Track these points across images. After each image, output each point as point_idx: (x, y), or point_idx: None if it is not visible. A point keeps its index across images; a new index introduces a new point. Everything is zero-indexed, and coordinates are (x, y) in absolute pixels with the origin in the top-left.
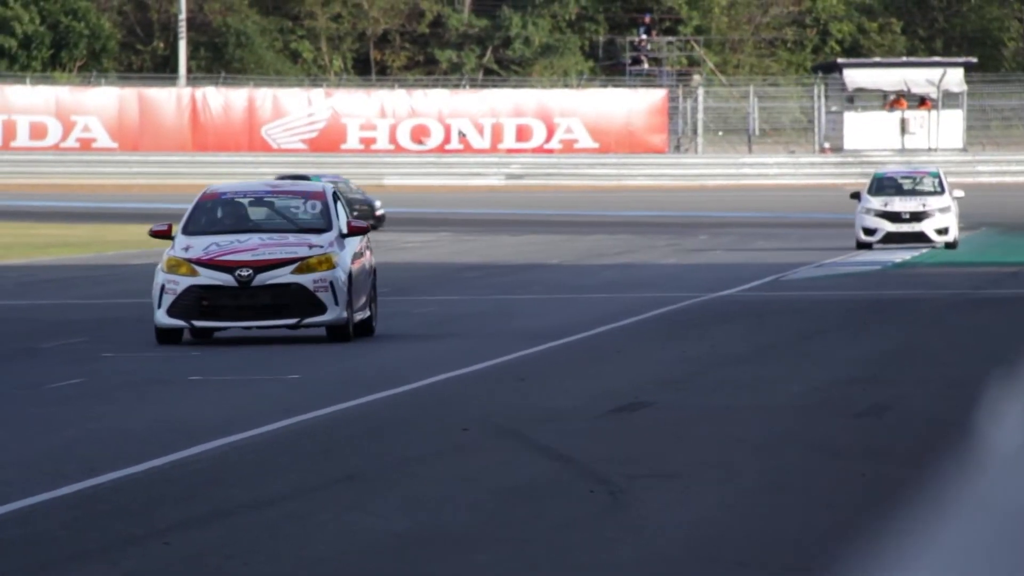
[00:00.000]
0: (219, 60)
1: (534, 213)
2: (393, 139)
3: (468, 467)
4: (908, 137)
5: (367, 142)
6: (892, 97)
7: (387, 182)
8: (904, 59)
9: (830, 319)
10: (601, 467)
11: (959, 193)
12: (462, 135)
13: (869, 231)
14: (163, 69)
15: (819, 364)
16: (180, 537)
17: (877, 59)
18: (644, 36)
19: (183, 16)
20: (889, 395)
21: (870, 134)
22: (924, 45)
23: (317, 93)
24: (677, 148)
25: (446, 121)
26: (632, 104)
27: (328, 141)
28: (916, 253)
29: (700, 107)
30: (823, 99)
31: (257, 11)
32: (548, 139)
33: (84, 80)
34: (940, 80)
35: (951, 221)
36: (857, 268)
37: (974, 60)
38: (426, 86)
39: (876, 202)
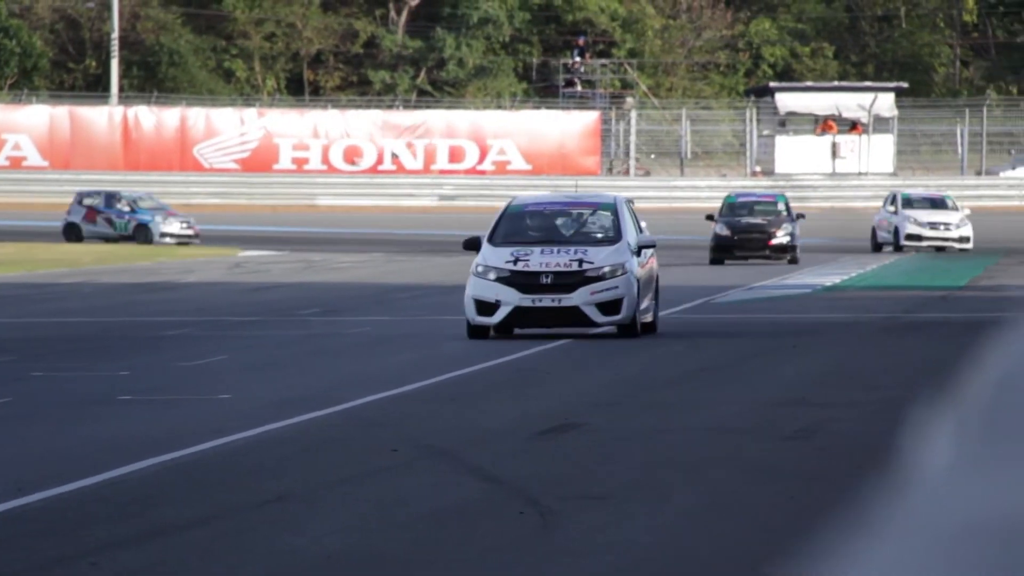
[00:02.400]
0: (152, 79)
1: (467, 234)
2: (326, 159)
3: (399, 488)
4: (839, 161)
5: (300, 162)
6: (821, 121)
7: (320, 202)
8: (836, 84)
9: (760, 342)
10: (532, 488)
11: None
12: (395, 156)
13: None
14: (95, 88)
15: (749, 386)
16: (109, 557)
17: (809, 83)
18: (578, 59)
19: (115, 35)
20: (819, 417)
21: (801, 158)
22: (856, 70)
23: (250, 113)
24: (610, 170)
25: (379, 142)
26: (565, 126)
27: (260, 161)
28: (847, 276)
29: (633, 130)
30: (755, 123)
31: (190, 30)
32: (481, 160)
33: (15, 98)
34: (871, 105)
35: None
36: (787, 291)
37: (905, 85)
38: (359, 106)
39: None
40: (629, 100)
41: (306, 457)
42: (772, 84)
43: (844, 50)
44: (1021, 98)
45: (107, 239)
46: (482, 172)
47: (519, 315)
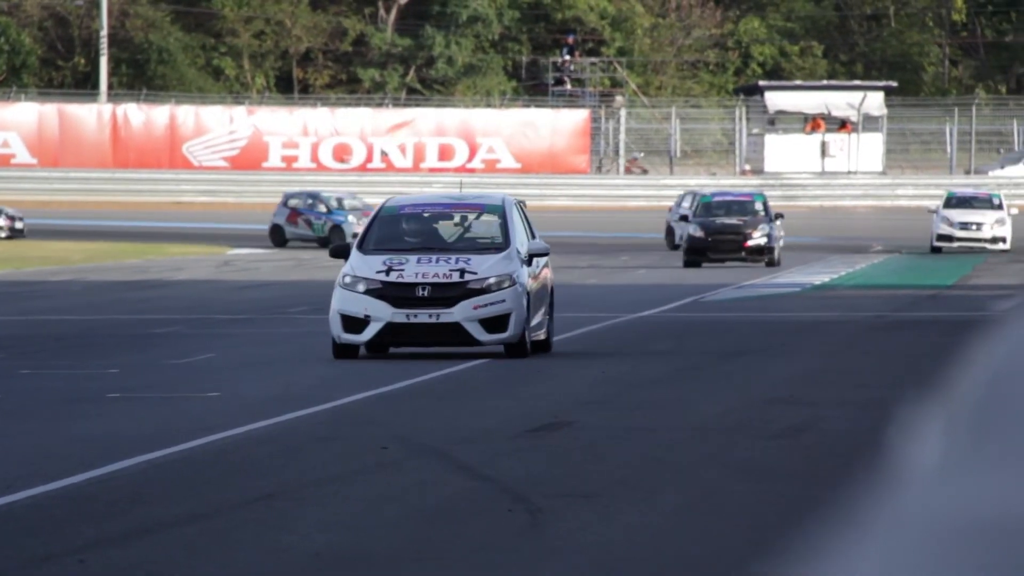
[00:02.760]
0: (141, 76)
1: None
2: (315, 157)
3: (387, 486)
4: (828, 160)
5: (289, 160)
6: (811, 119)
7: None
8: (825, 82)
9: (749, 340)
10: (520, 487)
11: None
12: (384, 154)
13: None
14: (84, 85)
15: (738, 385)
16: (97, 555)
17: (798, 82)
18: (567, 57)
19: (104, 32)
20: (807, 416)
21: (791, 157)
22: (845, 69)
23: (239, 111)
24: (599, 169)
25: (368, 140)
26: (555, 125)
27: (250, 159)
28: (835, 275)
29: (622, 128)
30: (744, 121)
31: (179, 28)
32: (470, 158)
33: (4, 96)
34: (860, 104)
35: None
36: (776, 290)
37: (894, 84)
38: (349, 105)
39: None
40: (619, 99)
41: (295, 455)
42: (761, 83)
43: (833, 49)
44: (1010, 97)
45: (305, 241)
46: (471, 170)
47: (391, 332)
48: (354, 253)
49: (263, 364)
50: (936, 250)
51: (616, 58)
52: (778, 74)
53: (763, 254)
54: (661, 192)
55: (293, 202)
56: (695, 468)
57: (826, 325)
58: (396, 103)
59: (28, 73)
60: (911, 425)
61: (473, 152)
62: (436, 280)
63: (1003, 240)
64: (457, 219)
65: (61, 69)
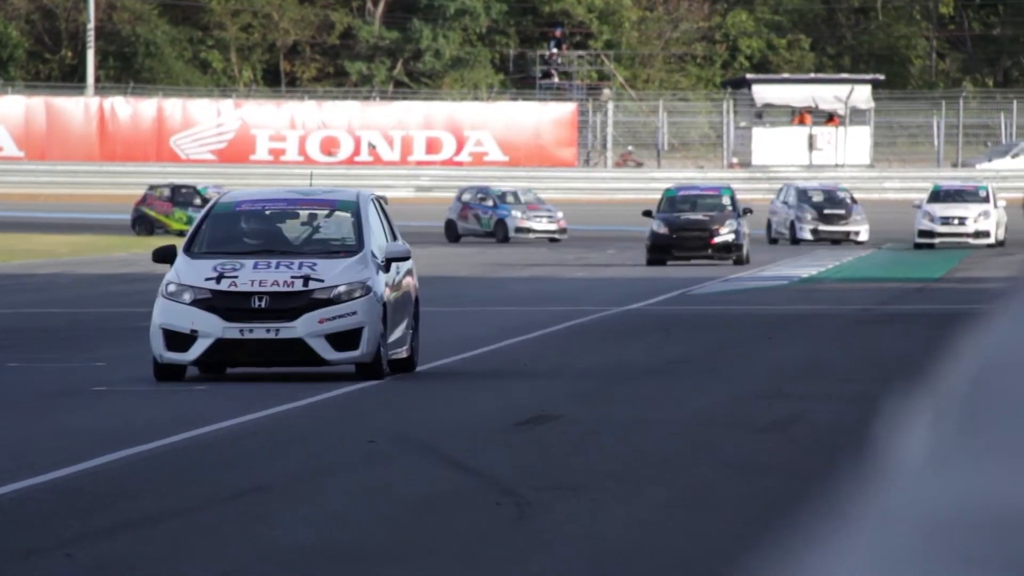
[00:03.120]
0: (128, 69)
1: (443, 226)
2: (303, 150)
3: (375, 479)
4: (816, 153)
5: (276, 153)
6: (797, 113)
7: None
8: (812, 75)
9: (736, 333)
10: (508, 480)
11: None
12: (372, 147)
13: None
14: (71, 78)
15: (725, 378)
16: (84, 548)
17: (786, 75)
18: (554, 50)
19: (92, 25)
20: (794, 409)
21: (778, 150)
22: (832, 62)
23: (226, 104)
24: (587, 162)
25: (356, 133)
26: (542, 118)
27: (237, 152)
28: (822, 268)
29: (610, 121)
30: (732, 114)
31: (167, 21)
32: (458, 152)
33: None
34: (848, 97)
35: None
36: (763, 283)
37: (881, 77)
38: (336, 98)
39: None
40: (606, 92)
41: (282, 449)
42: (749, 76)
43: (821, 42)
44: (997, 90)
45: (476, 236)
46: (459, 163)
47: (223, 350)
48: (180, 257)
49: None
50: (919, 247)
51: (604, 51)
52: (766, 67)
53: (730, 251)
54: (649, 185)
55: (465, 197)
56: (682, 461)
57: (813, 318)
58: (383, 96)
59: (15, 66)
60: (898, 418)
61: (461, 145)
62: (275, 289)
63: (986, 235)
64: (304, 217)
65: (48, 62)
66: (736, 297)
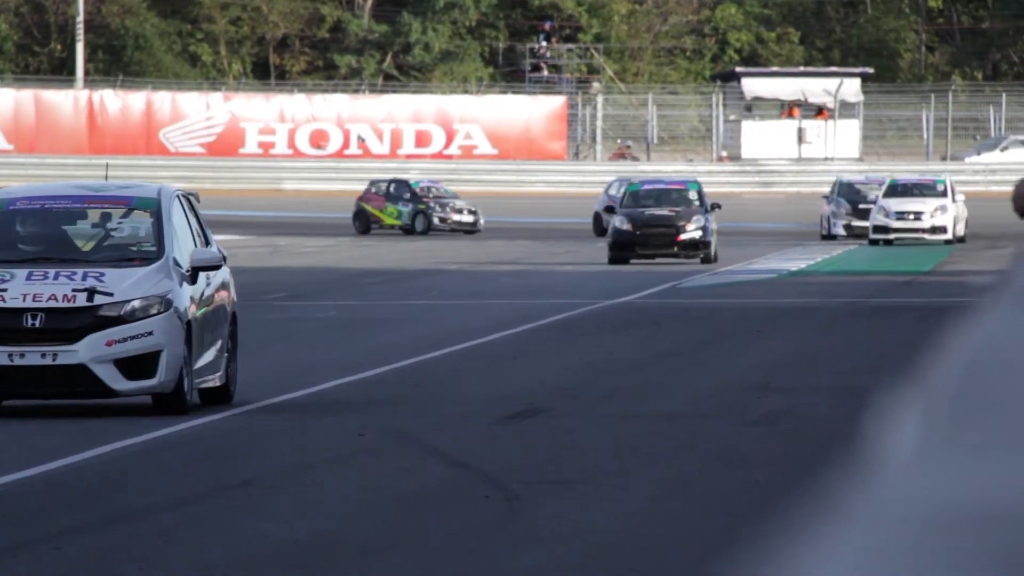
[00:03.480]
0: (117, 63)
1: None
2: (292, 144)
3: (365, 473)
4: (805, 146)
5: (266, 146)
6: (787, 107)
7: (286, 187)
8: (802, 69)
9: (726, 327)
10: (497, 474)
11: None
12: (361, 140)
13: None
14: (60, 71)
15: (714, 372)
16: (73, 542)
17: (775, 68)
18: (544, 43)
19: (81, 18)
20: (783, 403)
21: (768, 143)
22: (821, 55)
23: (216, 97)
24: (576, 155)
25: (345, 126)
26: (531, 111)
27: (227, 145)
28: (811, 261)
29: (599, 115)
30: (721, 108)
31: (156, 14)
32: (447, 145)
33: None
34: (837, 90)
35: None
36: (752, 276)
37: (870, 71)
38: (325, 91)
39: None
40: (595, 85)
41: (272, 442)
42: (738, 69)
43: (810, 35)
44: (986, 84)
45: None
46: (449, 156)
47: None
48: None
49: (239, 350)
50: (874, 243)
51: (593, 44)
52: (755, 60)
53: (697, 249)
54: (639, 178)
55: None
56: (671, 455)
57: (803, 311)
58: (373, 89)
59: (4, 59)
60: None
61: (450, 138)
62: (53, 304)
63: (943, 230)
64: (95, 218)
65: (37, 55)
66: (725, 290)
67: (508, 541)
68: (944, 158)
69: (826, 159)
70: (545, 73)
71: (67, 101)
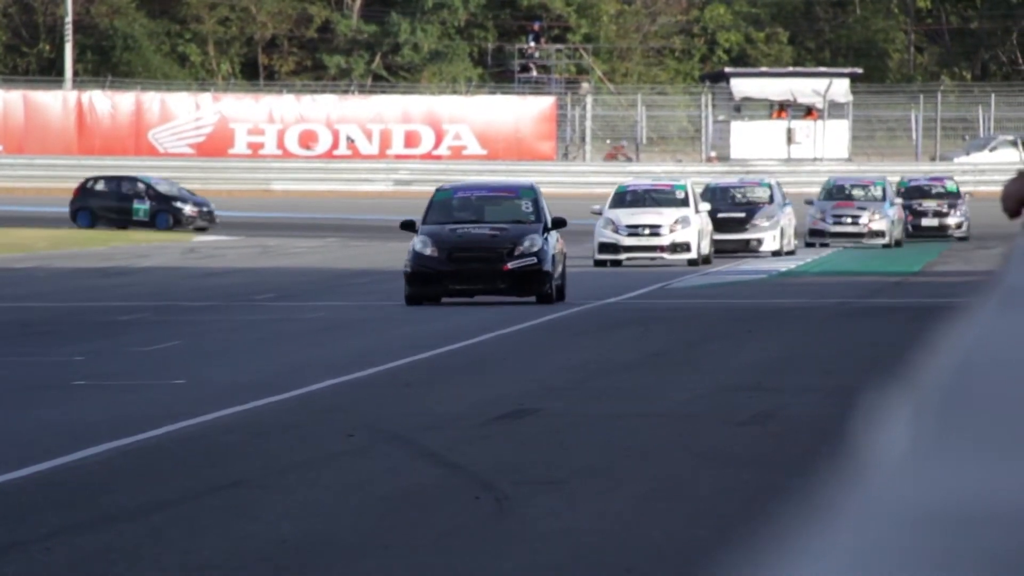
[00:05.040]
0: (106, 63)
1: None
2: (281, 144)
3: (354, 473)
4: (794, 147)
5: (255, 147)
6: (776, 107)
7: (275, 187)
8: (791, 69)
9: (716, 327)
10: (487, 474)
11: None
12: (350, 141)
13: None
14: (49, 72)
15: (704, 372)
16: (63, 543)
17: (764, 69)
18: (533, 44)
19: (69, 18)
20: (774, 403)
21: (757, 143)
22: (810, 55)
23: (205, 97)
24: (565, 156)
25: (334, 127)
26: (521, 111)
27: (215, 146)
28: (801, 262)
29: (588, 115)
30: (710, 108)
31: (144, 14)
32: (437, 145)
33: None
34: (826, 90)
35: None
36: (742, 276)
37: (859, 71)
38: (314, 91)
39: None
40: (585, 85)
41: (261, 442)
42: (727, 69)
43: (799, 36)
44: (975, 84)
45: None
46: (438, 157)
47: None
48: None
49: (229, 351)
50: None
51: (582, 45)
52: (744, 61)
53: (532, 284)
54: (628, 179)
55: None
56: (661, 455)
57: (792, 312)
58: (362, 90)
59: None
60: (878, 412)
61: (439, 139)
62: None
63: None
64: None
65: (26, 56)
66: (715, 291)
67: (498, 541)
68: (933, 158)
69: (815, 159)
70: (534, 74)
71: (56, 102)
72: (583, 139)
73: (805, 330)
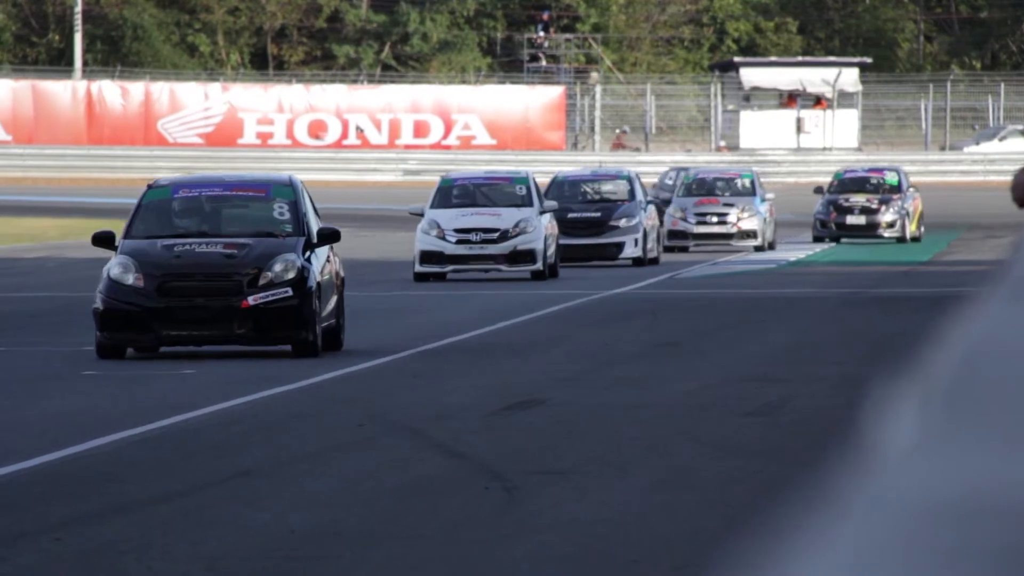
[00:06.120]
0: (115, 53)
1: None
2: (290, 134)
3: (363, 463)
4: (803, 136)
5: (264, 137)
6: (785, 97)
7: None
8: (800, 59)
9: (724, 317)
10: (496, 464)
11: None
12: (359, 130)
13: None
14: (58, 62)
15: (713, 362)
16: (72, 533)
17: (773, 58)
18: (542, 33)
19: (79, 8)
20: (782, 393)
21: (766, 133)
22: (820, 45)
23: (214, 87)
24: (575, 145)
25: (344, 116)
26: (530, 101)
27: (225, 135)
28: (810, 251)
29: (597, 105)
30: (719, 98)
31: (154, 4)
32: (446, 135)
33: None
34: (835, 80)
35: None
36: (751, 266)
37: (869, 60)
38: (324, 81)
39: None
40: (594, 75)
41: (270, 433)
42: (737, 59)
43: (809, 25)
44: (985, 73)
45: None
46: (447, 147)
47: None
48: None
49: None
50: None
51: (591, 34)
52: (753, 50)
53: (282, 328)
54: (637, 168)
55: None
56: (669, 445)
57: (801, 301)
58: (371, 80)
59: (2, 50)
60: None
61: (448, 129)
62: None
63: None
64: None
65: (35, 46)
66: (723, 281)
67: (506, 531)
68: (943, 148)
69: (824, 149)
70: (543, 63)
71: (65, 92)
72: (592, 129)
73: (814, 320)
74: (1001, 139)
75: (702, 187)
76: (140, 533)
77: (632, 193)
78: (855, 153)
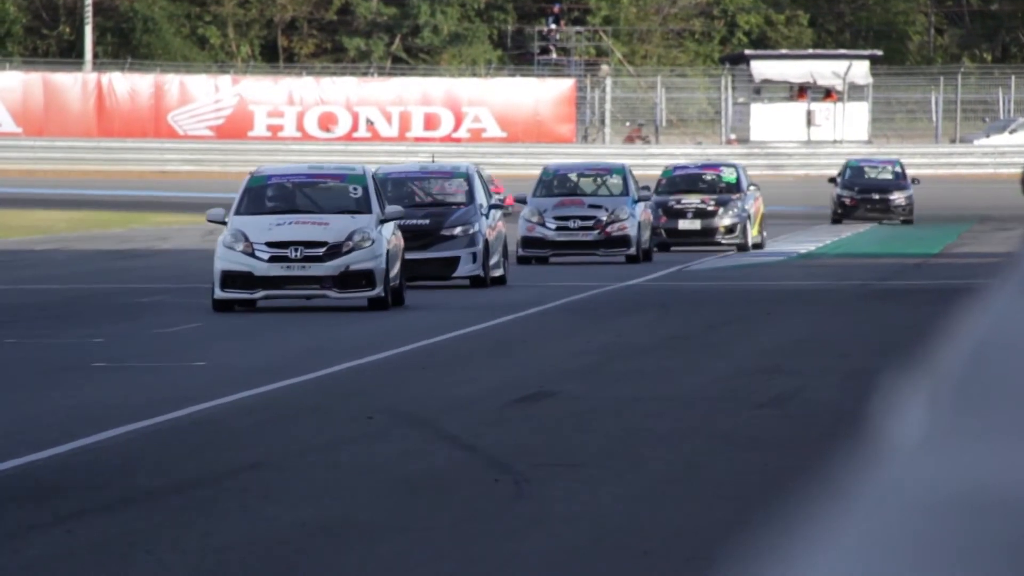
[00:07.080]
0: (126, 45)
1: None
2: (300, 126)
3: (373, 456)
4: (814, 129)
5: (274, 129)
6: (796, 89)
7: None
8: (810, 51)
9: (734, 309)
10: (506, 456)
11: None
12: (370, 123)
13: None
14: (69, 54)
15: (723, 354)
16: (84, 525)
17: (784, 51)
18: (553, 26)
19: (89, 1)
20: (792, 386)
21: (776, 126)
22: (831, 38)
23: (224, 80)
24: (585, 138)
25: (354, 109)
26: (540, 94)
27: (235, 128)
28: (820, 244)
29: (608, 97)
30: (730, 90)
31: None
32: (456, 128)
33: None
34: (846, 72)
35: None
36: (762, 259)
37: (879, 53)
38: (334, 74)
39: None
40: (604, 68)
41: (281, 425)
42: (747, 52)
43: (819, 18)
44: (995, 66)
45: None
46: (457, 140)
47: None
48: None
49: (250, 334)
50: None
51: (601, 27)
52: (764, 43)
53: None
54: (647, 161)
55: None
56: (680, 438)
57: (811, 294)
58: (381, 72)
59: (13, 42)
60: (897, 396)
61: (459, 121)
62: None
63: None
64: None
65: (46, 38)
66: (734, 273)
67: (517, 524)
68: (953, 140)
69: (835, 142)
70: (554, 56)
71: (76, 84)
72: (602, 121)
73: (824, 312)
74: (1011, 132)
75: (564, 184)
76: (151, 525)
77: (471, 194)
78: (865, 146)
